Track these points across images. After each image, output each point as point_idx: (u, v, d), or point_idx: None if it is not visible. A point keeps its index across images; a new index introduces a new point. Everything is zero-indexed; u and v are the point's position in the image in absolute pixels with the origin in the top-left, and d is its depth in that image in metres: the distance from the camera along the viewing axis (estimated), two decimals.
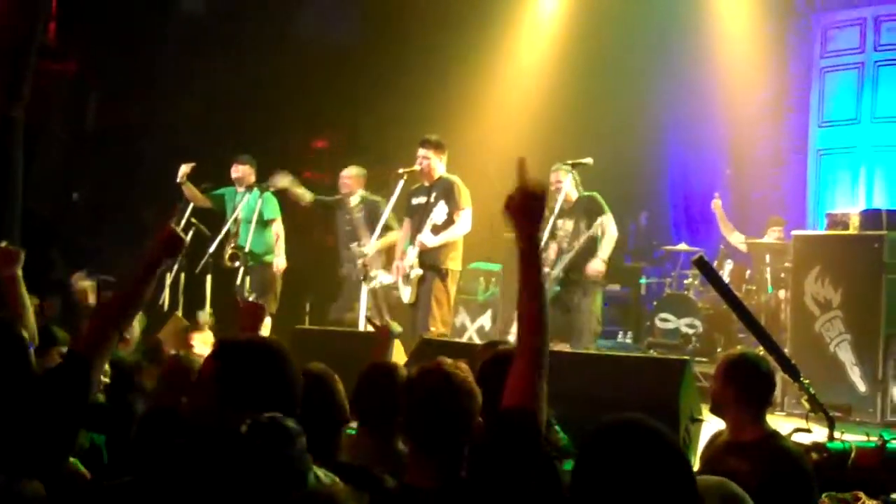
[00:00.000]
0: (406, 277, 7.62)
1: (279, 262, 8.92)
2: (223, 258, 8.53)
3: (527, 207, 2.72)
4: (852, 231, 7.71)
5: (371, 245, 7.96)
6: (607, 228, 7.75)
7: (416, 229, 7.60)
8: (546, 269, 7.40)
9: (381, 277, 8.17)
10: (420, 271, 7.55)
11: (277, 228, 9.02)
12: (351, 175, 8.80)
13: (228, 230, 8.68)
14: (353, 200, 8.70)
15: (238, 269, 8.42)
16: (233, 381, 2.65)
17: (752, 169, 10.76)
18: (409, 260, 7.60)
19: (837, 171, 10.47)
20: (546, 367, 2.68)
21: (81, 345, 3.01)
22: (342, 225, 8.77)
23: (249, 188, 8.92)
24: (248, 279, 8.48)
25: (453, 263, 7.65)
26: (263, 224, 8.79)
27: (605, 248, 7.87)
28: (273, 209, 8.92)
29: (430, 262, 7.54)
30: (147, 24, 10.72)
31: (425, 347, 6.23)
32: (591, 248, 7.86)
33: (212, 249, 8.42)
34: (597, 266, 7.84)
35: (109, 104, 10.76)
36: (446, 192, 7.58)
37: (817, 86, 10.66)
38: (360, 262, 7.76)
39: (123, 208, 10.50)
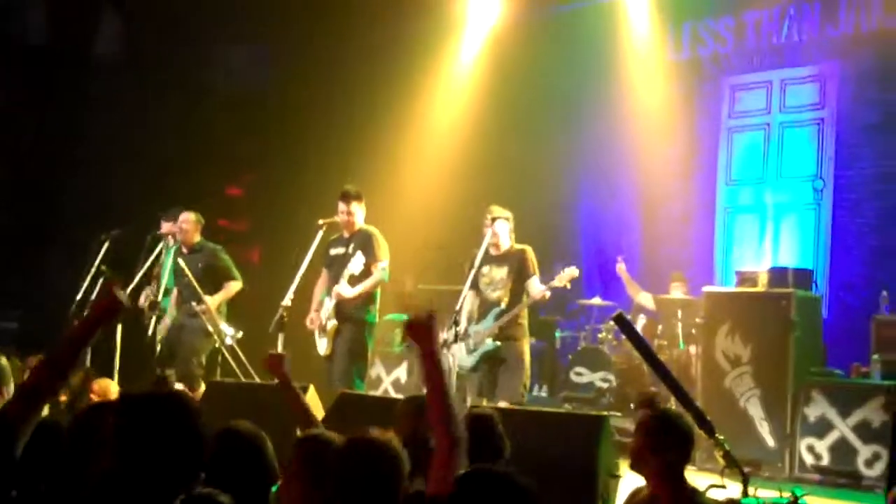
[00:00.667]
0: (322, 329, 7.54)
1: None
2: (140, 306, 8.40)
3: (423, 331, 3.02)
4: (761, 288, 7.92)
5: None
6: (531, 290, 7.39)
7: (334, 280, 7.55)
8: (464, 325, 7.35)
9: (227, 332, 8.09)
10: (336, 323, 7.49)
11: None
12: (189, 220, 8.60)
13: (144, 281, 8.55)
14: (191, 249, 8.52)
15: (152, 318, 8.26)
16: (133, 437, 2.52)
17: (662, 225, 10.98)
18: (326, 311, 7.53)
19: (744, 228, 10.74)
20: (463, 448, 2.86)
21: (11, 409, 2.91)
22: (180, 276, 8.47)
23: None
24: (159, 328, 8.36)
25: (370, 315, 7.61)
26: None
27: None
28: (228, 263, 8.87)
29: (347, 313, 7.49)
30: (65, 73, 10.56)
31: (343, 402, 6.16)
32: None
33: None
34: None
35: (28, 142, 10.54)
36: (364, 243, 7.55)
37: (725, 145, 10.95)
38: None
39: (38, 249, 10.27)
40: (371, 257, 7.49)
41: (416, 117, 11.56)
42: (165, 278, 8.47)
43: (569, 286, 7.34)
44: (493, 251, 7.37)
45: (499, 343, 7.30)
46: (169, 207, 8.98)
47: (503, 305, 7.36)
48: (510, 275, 7.35)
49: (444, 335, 6.73)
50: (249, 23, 11.30)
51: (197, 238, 8.60)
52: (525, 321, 7.43)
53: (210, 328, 8.18)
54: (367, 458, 2.78)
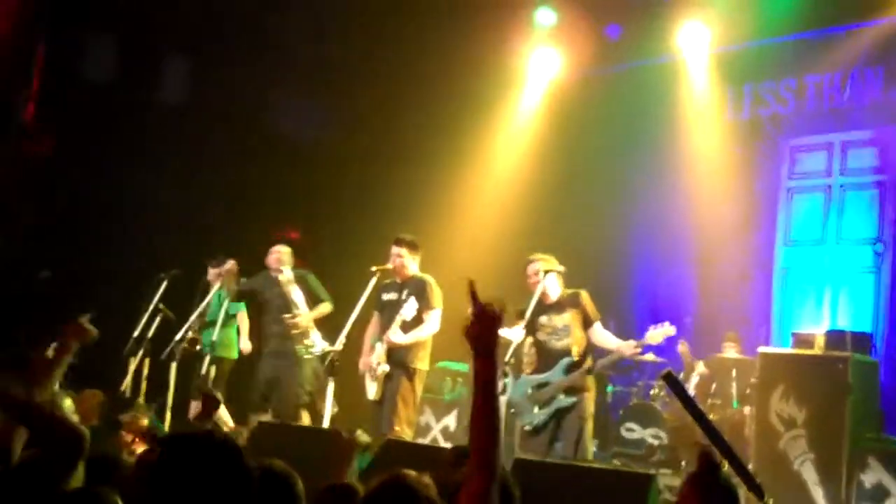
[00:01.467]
0: (373, 373, 7.57)
1: (244, 346, 9.51)
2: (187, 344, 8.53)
3: (486, 327, 2.79)
4: (817, 351, 7.81)
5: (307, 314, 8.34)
6: (606, 340, 7.22)
7: (386, 325, 7.59)
8: (528, 372, 7.29)
9: (317, 342, 8.20)
10: (387, 368, 7.51)
11: (241, 319, 9.57)
12: (282, 251, 8.95)
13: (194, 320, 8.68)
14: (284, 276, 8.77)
15: (202, 357, 8.38)
16: (177, 478, 2.47)
17: (719, 286, 10.90)
18: (377, 356, 7.56)
19: (802, 290, 10.63)
20: (497, 470, 2.66)
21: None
22: (273, 299, 8.83)
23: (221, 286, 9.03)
24: (212, 369, 8.46)
25: (421, 363, 7.63)
26: (228, 318, 8.93)
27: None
28: (237, 305, 9.19)
29: (398, 359, 7.52)
30: (125, 112, 10.79)
31: (389, 448, 6.17)
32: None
33: (178, 336, 8.33)
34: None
35: (81, 187, 10.76)
36: (418, 290, 7.60)
37: (784, 205, 10.88)
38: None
39: (89, 289, 10.44)
40: (425, 304, 7.54)
41: (473, 172, 11.64)
42: (215, 312, 8.75)
43: (661, 342, 7.24)
44: (545, 300, 7.26)
45: (574, 398, 7.05)
46: (219, 254, 9.19)
47: (574, 356, 7.14)
48: (575, 320, 7.16)
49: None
50: (312, 70, 11.49)
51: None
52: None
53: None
54: (397, 497, 2.69)
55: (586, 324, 7.18)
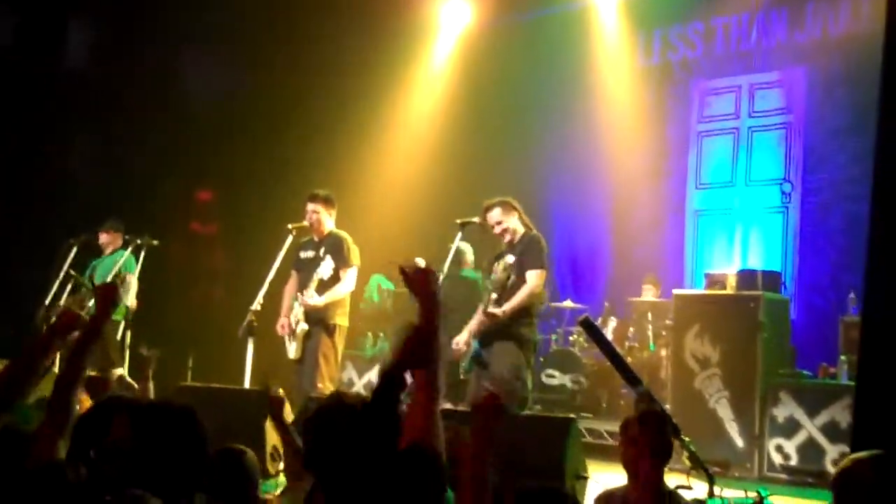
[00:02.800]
0: (292, 333, 7.51)
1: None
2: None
3: (423, 276, 3.05)
4: (730, 291, 7.98)
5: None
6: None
7: (304, 284, 7.52)
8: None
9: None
10: (306, 326, 7.44)
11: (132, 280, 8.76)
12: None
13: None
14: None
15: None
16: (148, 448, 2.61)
17: (633, 229, 11.05)
18: (295, 315, 7.50)
19: (714, 231, 10.83)
20: (439, 393, 2.86)
21: None
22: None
23: (114, 251, 8.86)
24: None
25: (341, 319, 7.57)
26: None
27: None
28: (130, 265, 8.73)
29: (317, 317, 7.45)
30: (29, 79, 10.47)
31: (311, 405, 6.16)
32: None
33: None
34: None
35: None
36: (335, 248, 7.52)
37: (695, 149, 11.04)
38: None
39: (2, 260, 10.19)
40: (341, 262, 7.47)
41: (387, 122, 11.58)
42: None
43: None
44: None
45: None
46: (139, 211, 9.00)
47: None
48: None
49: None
50: (220, 28, 11.25)
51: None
52: None
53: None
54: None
55: None
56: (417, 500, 2.61)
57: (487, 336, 6.69)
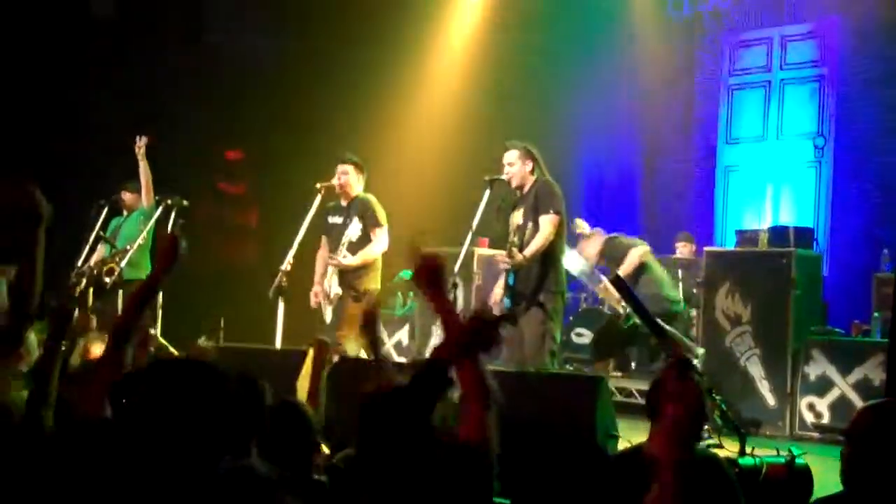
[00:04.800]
0: (327, 297, 7.47)
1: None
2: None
3: (431, 273, 2.94)
4: (761, 247, 7.90)
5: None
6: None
7: (334, 249, 7.50)
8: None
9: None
10: (339, 291, 7.41)
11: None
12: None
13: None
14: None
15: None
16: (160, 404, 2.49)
17: (663, 182, 10.97)
18: (329, 281, 7.47)
19: (745, 187, 10.71)
20: (489, 395, 2.72)
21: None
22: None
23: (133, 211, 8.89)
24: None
25: (373, 283, 7.55)
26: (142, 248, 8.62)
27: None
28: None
29: (349, 282, 7.43)
30: (58, 29, 10.45)
31: (341, 366, 6.19)
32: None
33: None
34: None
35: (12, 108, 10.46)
36: (362, 210, 7.49)
37: (725, 102, 10.90)
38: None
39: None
40: (371, 222, 7.44)
41: (417, 79, 11.48)
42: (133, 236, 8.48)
43: None
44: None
45: None
46: (168, 171, 9.01)
47: None
48: None
49: None
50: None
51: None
52: None
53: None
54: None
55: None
56: (464, 496, 2.58)
57: (516, 296, 6.64)
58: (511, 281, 6.65)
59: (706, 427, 5.80)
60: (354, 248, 7.37)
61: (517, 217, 6.70)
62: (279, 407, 3.34)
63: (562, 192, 6.77)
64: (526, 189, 6.75)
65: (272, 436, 3.10)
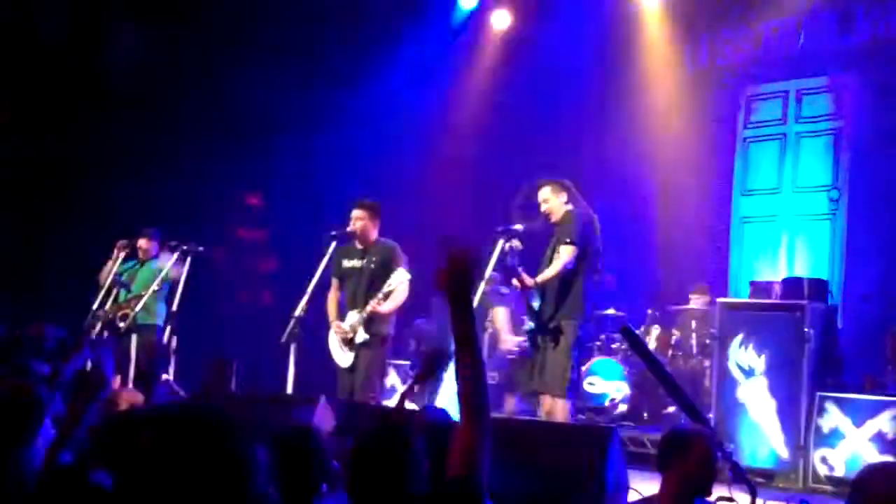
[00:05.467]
0: (349, 342, 7.44)
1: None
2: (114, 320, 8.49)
3: (454, 279, 2.68)
4: (775, 299, 7.89)
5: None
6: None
7: (353, 292, 7.50)
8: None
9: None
10: (367, 336, 7.36)
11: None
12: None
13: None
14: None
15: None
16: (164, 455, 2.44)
17: (678, 235, 10.96)
18: (351, 325, 7.45)
19: (760, 239, 10.71)
20: (488, 422, 2.64)
21: None
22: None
23: (150, 258, 9.07)
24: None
25: (391, 328, 7.57)
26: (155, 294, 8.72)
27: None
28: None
29: (376, 329, 7.39)
30: (77, 78, 10.63)
31: (354, 410, 6.21)
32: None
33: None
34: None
35: (41, 154, 10.61)
36: (389, 256, 7.45)
37: (741, 155, 10.94)
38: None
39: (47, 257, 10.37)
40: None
41: (431, 127, 11.61)
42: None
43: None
44: None
45: None
46: (185, 216, 9.13)
47: None
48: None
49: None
50: (266, 30, 11.35)
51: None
52: None
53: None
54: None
55: None
56: None
57: (539, 320, 6.85)
58: (536, 307, 6.87)
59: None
60: (389, 295, 7.33)
61: (549, 251, 6.97)
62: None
63: (590, 222, 6.97)
64: (557, 221, 7.00)
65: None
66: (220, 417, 2.45)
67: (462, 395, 2.66)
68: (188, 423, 2.45)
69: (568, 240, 6.81)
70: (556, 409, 6.75)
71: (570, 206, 6.99)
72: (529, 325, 6.95)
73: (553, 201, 6.99)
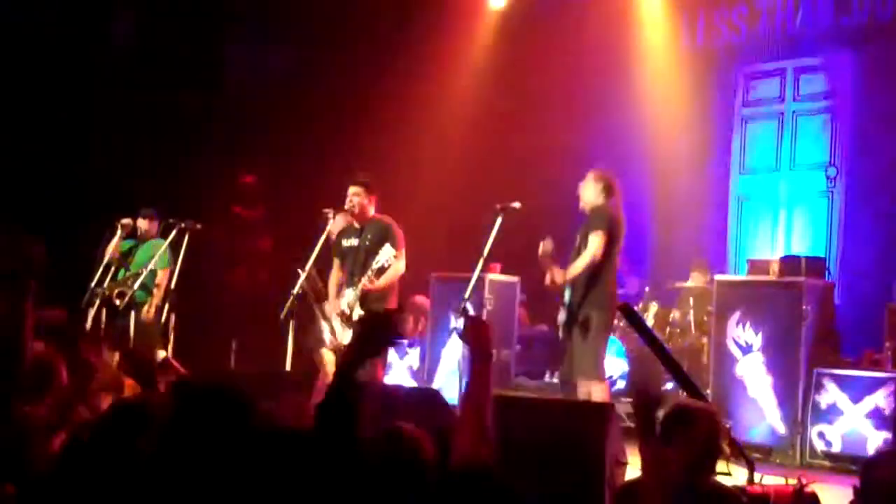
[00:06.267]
0: (348, 319, 7.44)
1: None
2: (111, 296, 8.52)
3: (481, 334, 3.27)
4: (773, 277, 7.91)
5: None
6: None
7: (352, 271, 7.49)
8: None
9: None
10: (362, 313, 7.36)
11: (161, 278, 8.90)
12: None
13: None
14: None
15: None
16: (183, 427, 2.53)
17: (675, 213, 10.96)
18: (348, 302, 7.45)
19: (758, 217, 10.73)
20: (489, 410, 2.94)
21: None
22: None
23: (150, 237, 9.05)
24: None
25: (391, 304, 7.54)
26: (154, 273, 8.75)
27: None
28: (164, 261, 8.83)
29: (372, 306, 7.38)
30: (79, 55, 10.60)
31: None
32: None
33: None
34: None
35: (33, 136, 10.58)
36: (384, 234, 7.44)
37: (739, 134, 10.94)
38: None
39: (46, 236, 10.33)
40: (396, 247, 7.40)
41: (430, 105, 11.54)
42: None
43: None
44: None
45: None
46: (183, 195, 9.11)
47: None
48: None
49: None
50: (265, 15, 11.33)
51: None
52: None
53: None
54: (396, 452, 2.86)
55: None
56: None
57: (570, 307, 6.92)
58: (567, 297, 6.95)
59: None
60: (382, 272, 7.32)
61: (578, 238, 6.99)
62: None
63: (620, 217, 7.06)
64: (586, 212, 7.08)
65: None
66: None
67: (467, 416, 3.05)
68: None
69: (598, 229, 6.86)
70: (595, 392, 6.78)
71: (602, 200, 7.04)
72: (562, 315, 7.00)
73: (586, 193, 7.09)
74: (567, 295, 6.94)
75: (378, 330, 3.06)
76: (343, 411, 2.81)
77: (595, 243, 6.80)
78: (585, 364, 6.85)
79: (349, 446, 2.75)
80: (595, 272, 6.86)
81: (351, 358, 3.03)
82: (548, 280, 6.91)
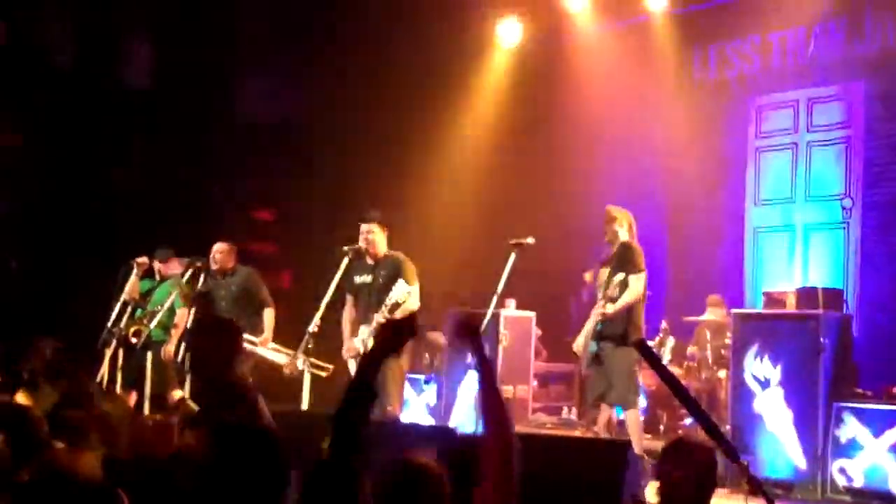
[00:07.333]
0: (359, 356, 7.42)
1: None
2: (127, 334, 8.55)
3: (470, 329, 3.29)
4: (790, 309, 7.87)
5: None
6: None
7: (365, 308, 7.50)
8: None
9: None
10: None
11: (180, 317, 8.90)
12: (223, 249, 8.67)
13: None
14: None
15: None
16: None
17: (690, 246, 10.93)
18: (362, 340, 7.43)
19: (773, 248, 10.68)
20: (516, 458, 2.87)
21: None
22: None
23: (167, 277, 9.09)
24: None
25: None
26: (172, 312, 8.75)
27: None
28: (178, 303, 8.81)
29: None
30: (88, 99, 10.69)
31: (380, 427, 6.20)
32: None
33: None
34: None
35: (53, 176, 10.67)
36: (397, 270, 7.47)
37: (753, 165, 10.91)
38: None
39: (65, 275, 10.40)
40: (409, 283, 7.42)
41: (444, 140, 11.62)
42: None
43: None
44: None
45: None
46: (200, 233, 9.15)
47: None
48: None
49: None
50: (279, 52, 11.41)
51: (231, 264, 8.71)
52: None
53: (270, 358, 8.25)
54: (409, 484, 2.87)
55: None
56: None
57: (603, 338, 7.41)
58: (600, 329, 7.45)
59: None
60: (396, 308, 7.32)
61: (604, 273, 7.53)
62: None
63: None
64: (614, 249, 7.59)
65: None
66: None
67: (487, 416, 2.99)
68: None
69: (640, 271, 7.42)
70: (629, 417, 7.39)
71: (628, 236, 7.63)
72: (593, 346, 7.45)
73: (610, 229, 7.65)
74: (599, 327, 7.41)
75: (399, 328, 3.22)
76: (358, 408, 2.97)
77: (639, 286, 7.39)
78: (623, 388, 7.34)
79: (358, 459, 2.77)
80: (630, 307, 7.39)
81: (373, 354, 3.03)
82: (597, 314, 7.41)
